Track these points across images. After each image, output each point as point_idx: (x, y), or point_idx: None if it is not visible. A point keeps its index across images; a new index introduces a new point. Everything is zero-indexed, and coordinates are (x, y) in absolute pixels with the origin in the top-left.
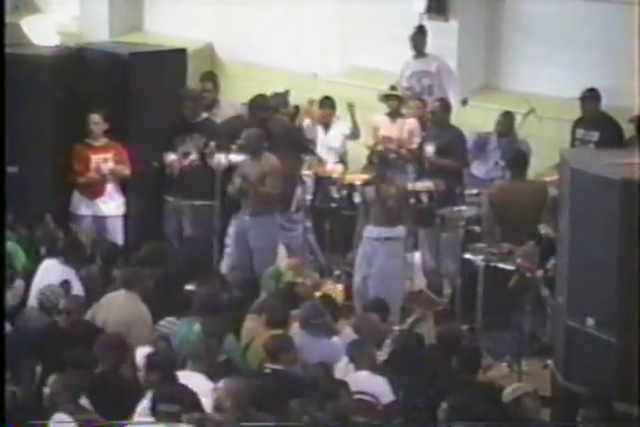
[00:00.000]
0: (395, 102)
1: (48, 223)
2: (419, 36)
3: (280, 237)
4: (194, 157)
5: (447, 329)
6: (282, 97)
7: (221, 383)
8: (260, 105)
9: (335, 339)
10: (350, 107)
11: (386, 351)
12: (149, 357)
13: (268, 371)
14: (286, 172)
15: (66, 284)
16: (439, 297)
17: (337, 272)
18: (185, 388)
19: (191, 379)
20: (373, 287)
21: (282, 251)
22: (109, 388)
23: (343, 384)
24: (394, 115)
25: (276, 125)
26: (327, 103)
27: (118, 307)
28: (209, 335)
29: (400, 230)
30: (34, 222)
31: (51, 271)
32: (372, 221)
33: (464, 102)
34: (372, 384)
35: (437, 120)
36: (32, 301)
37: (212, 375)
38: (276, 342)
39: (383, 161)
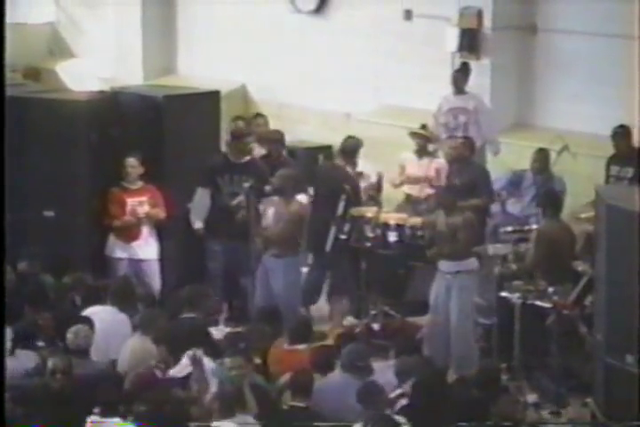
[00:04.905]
0: (422, 140)
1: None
2: (461, 73)
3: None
4: (241, 198)
5: (486, 365)
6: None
7: None
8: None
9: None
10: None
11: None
12: None
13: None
14: (322, 214)
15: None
16: None
17: (373, 312)
18: None
19: None
20: (453, 322)
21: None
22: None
23: None
24: (421, 153)
25: (323, 167)
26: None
27: (130, 349)
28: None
29: (472, 263)
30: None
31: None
32: (443, 254)
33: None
34: None
35: (458, 157)
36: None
37: None
38: (303, 379)
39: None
